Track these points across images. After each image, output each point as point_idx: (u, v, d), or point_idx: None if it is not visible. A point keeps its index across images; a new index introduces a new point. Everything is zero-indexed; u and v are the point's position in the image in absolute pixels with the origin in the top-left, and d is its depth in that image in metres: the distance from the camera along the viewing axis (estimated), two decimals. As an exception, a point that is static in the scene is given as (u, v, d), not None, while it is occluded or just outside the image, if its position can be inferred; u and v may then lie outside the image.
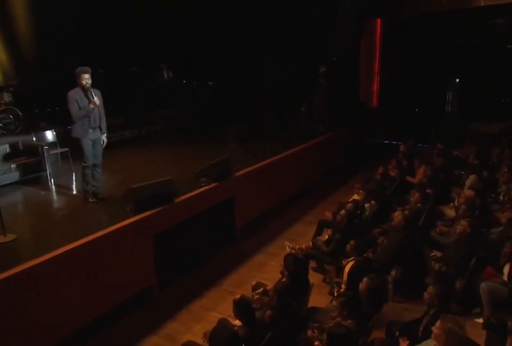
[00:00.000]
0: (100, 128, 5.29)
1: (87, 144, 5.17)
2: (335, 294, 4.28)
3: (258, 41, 10.45)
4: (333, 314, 3.71)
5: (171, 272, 5.11)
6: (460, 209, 5.49)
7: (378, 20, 12.30)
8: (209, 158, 5.98)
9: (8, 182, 6.07)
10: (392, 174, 7.17)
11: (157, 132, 9.80)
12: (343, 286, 4.32)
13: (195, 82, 11.88)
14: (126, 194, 4.89)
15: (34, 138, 6.90)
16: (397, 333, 3.61)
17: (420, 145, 9.68)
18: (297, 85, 10.82)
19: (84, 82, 5.00)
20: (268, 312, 3.50)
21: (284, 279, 4.14)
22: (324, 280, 5.09)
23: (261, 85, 11.33)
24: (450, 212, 6.03)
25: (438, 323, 3.02)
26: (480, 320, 4.04)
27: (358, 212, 5.71)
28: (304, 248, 5.51)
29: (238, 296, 3.58)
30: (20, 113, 7.17)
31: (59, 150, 6.90)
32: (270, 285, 4.32)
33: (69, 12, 8.54)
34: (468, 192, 5.68)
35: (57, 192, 6.07)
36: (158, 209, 4.85)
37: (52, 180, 6.25)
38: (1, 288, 3.42)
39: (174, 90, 11.25)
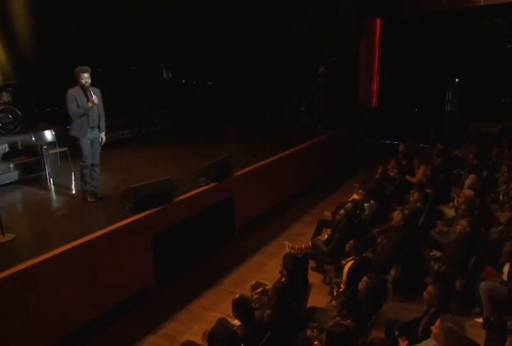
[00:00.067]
0: (99, 127, 5.29)
1: (85, 144, 5.16)
2: (335, 294, 4.27)
3: (258, 41, 10.45)
4: (333, 314, 3.71)
5: (170, 272, 5.10)
6: (459, 208, 5.49)
7: (378, 20, 12.30)
8: (209, 158, 5.98)
9: (7, 182, 6.07)
10: (391, 174, 7.17)
11: (156, 132, 9.80)
12: (342, 285, 4.31)
13: (194, 82, 11.88)
14: (125, 194, 4.89)
15: (33, 138, 6.90)
16: (397, 332, 3.60)
17: (419, 145, 9.68)
18: (297, 85, 10.82)
19: (83, 81, 5.01)
20: (267, 311, 3.49)
21: (283, 279, 4.14)
22: (323, 281, 5.08)
23: (261, 85, 11.33)
24: (450, 212, 6.03)
25: (437, 323, 3.01)
26: (480, 320, 4.03)
27: (358, 211, 5.71)
28: (303, 247, 5.51)
29: (237, 296, 3.58)
30: (19, 113, 7.16)
31: (58, 150, 6.89)
32: (269, 285, 4.31)
33: (68, 12, 8.53)
34: (467, 192, 5.68)
35: (56, 191, 6.07)
36: (157, 209, 4.84)
37: (51, 180, 6.24)
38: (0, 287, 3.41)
39: (174, 90, 11.24)
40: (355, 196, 6.46)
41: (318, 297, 4.56)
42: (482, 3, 9.68)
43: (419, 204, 5.82)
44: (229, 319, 3.71)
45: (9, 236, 4.29)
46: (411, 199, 6.10)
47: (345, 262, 4.51)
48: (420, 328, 3.46)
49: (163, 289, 4.98)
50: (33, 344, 3.68)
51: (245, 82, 11.23)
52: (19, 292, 3.56)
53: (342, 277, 4.43)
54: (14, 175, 6.16)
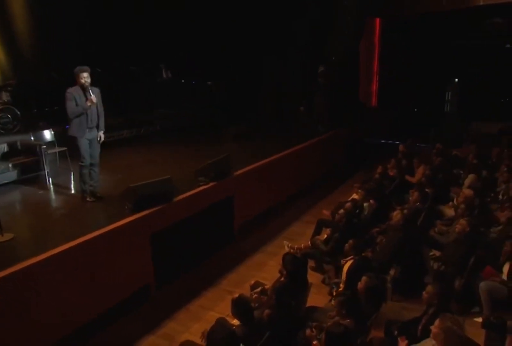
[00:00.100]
0: (97, 127, 5.29)
1: (83, 144, 5.16)
2: (334, 294, 4.26)
3: (258, 41, 10.45)
4: (332, 313, 3.70)
5: (169, 271, 5.09)
6: (459, 208, 5.49)
7: (377, 20, 12.30)
8: (208, 158, 5.96)
9: (6, 181, 6.06)
10: (391, 173, 7.18)
11: (156, 132, 9.78)
12: (341, 285, 4.31)
13: (194, 82, 11.88)
14: (125, 193, 4.88)
15: (32, 138, 6.88)
16: (396, 332, 3.60)
17: (419, 145, 9.68)
18: (297, 85, 10.82)
19: (83, 80, 5.02)
20: (267, 311, 3.48)
21: (282, 278, 4.13)
22: (323, 281, 5.06)
23: (261, 85, 11.33)
24: (449, 211, 6.03)
25: (437, 322, 3.01)
26: (479, 319, 4.02)
27: (357, 211, 5.70)
28: (303, 247, 5.50)
29: (236, 295, 3.57)
30: (18, 113, 7.14)
31: (57, 149, 6.88)
32: (268, 284, 4.30)
33: (68, 12, 8.52)
34: (467, 191, 5.68)
35: (55, 191, 6.05)
36: (156, 208, 4.83)
37: (50, 179, 6.23)
38: (-2, 287, 3.41)
39: (173, 90, 11.23)
40: (354, 196, 6.45)
41: (318, 297, 4.56)
42: (481, 3, 9.68)
43: (418, 203, 5.82)
44: (228, 318, 3.70)
45: (7, 236, 4.28)
46: (410, 198, 6.10)
47: (344, 261, 4.51)
48: (420, 327, 3.45)
49: (162, 289, 4.97)
50: (33, 344, 3.67)
51: (245, 82, 11.24)
52: (18, 292, 3.55)
53: (341, 277, 4.42)
54: (13, 175, 6.14)
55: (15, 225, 4.64)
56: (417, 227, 5.32)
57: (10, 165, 6.13)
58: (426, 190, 6.13)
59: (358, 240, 4.60)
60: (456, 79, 12.08)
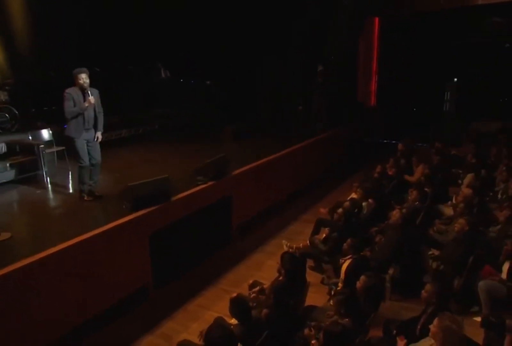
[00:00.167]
0: (95, 128, 5.26)
1: (80, 145, 5.15)
2: (333, 293, 4.25)
3: (257, 41, 10.43)
4: (330, 313, 3.68)
5: (167, 271, 5.07)
6: (458, 207, 5.49)
7: (376, 19, 12.29)
8: (207, 157, 5.95)
9: (4, 181, 6.05)
10: (390, 173, 7.17)
11: (154, 131, 9.78)
12: (340, 284, 4.29)
13: (192, 82, 11.86)
14: (123, 192, 4.87)
15: (30, 137, 6.87)
16: (395, 331, 3.59)
17: (418, 144, 9.67)
18: (297, 84, 10.81)
19: (81, 81, 5.01)
20: (265, 310, 3.47)
21: (281, 278, 4.11)
22: (322, 282, 5.04)
23: (260, 85, 11.32)
24: (448, 210, 6.02)
25: (435, 321, 2.99)
26: (478, 319, 4.00)
27: (356, 210, 5.68)
28: (301, 246, 5.48)
29: (234, 295, 3.56)
30: (16, 112, 7.13)
31: (55, 149, 6.86)
32: (267, 284, 4.29)
33: (67, 11, 8.49)
34: (466, 190, 5.68)
35: (53, 190, 6.04)
36: (154, 208, 4.81)
37: (48, 179, 6.21)
38: (-5, 286, 3.39)
39: (172, 90, 11.22)
40: (353, 195, 6.44)
41: (316, 296, 4.53)
42: (480, 2, 9.68)
43: (417, 202, 5.81)
44: (226, 318, 3.69)
45: (5, 235, 4.27)
46: (409, 197, 6.09)
47: (343, 261, 4.49)
48: (418, 327, 3.44)
49: (161, 288, 4.96)
50: (28, 343, 3.66)
51: (244, 82, 11.23)
52: (15, 291, 3.53)
53: (340, 276, 4.41)
54: (10, 174, 6.13)
55: (12, 224, 4.63)
56: (416, 226, 5.31)
57: (8, 164, 6.11)
58: (425, 189, 6.13)
59: (357, 239, 4.58)
60: (455, 79, 12.08)
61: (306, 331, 3.43)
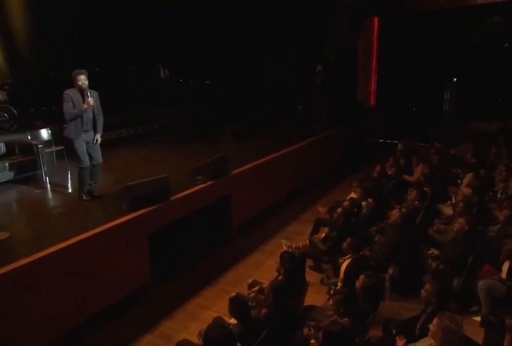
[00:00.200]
0: (94, 129, 5.25)
1: (80, 146, 5.14)
2: (332, 293, 4.24)
3: (257, 39, 10.43)
4: (330, 312, 3.68)
5: (166, 271, 5.07)
6: (457, 206, 5.48)
7: (376, 19, 12.29)
8: (206, 157, 5.94)
9: (3, 180, 6.04)
10: (389, 172, 7.17)
11: (154, 131, 9.77)
12: (339, 283, 4.29)
13: (192, 81, 11.86)
14: (122, 192, 4.86)
15: (29, 137, 6.85)
16: (394, 331, 3.58)
17: (418, 144, 9.67)
18: (297, 83, 10.81)
19: (80, 83, 5.01)
20: (264, 310, 3.46)
21: (280, 277, 4.11)
22: (321, 281, 5.03)
23: (260, 84, 11.31)
24: (448, 210, 6.02)
25: (435, 321, 2.99)
26: (478, 318, 3.99)
27: (355, 210, 5.68)
28: (301, 246, 5.47)
29: (233, 294, 3.55)
30: (15, 112, 7.13)
31: (54, 148, 6.86)
32: (266, 283, 4.28)
33: (66, 10, 8.49)
34: (465, 190, 5.67)
35: (52, 190, 6.03)
36: (153, 207, 4.81)
37: (47, 178, 6.21)
38: (-7, 286, 3.38)
39: (171, 89, 11.22)
40: (353, 194, 6.43)
41: (316, 296, 4.53)
42: (479, 2, 9.67)
43: (417, 202, 5.81)
44: (225, 317, 3.68)
45: (3, 235, 4.26)
46: (409, 197, 6.09)
47: (342, 260, 4.49)
48: (418, 326, 3.43)
49: (160, 288, 4.95)
50: (27, 343, 3.65)
51: (244, 81, 11.22)
52: (14, 291, 3.52)
53: (339, 276, 4.40)
54: (9, 174, 6.12)
55: (11, 224, 4.63)
56: (415, 226, 5.30)
57: (7, 164, 6.10)
58: (425, 188, 6.13)
59: (356, 238, 4.57)
60: (455, 79, 12.07)
61: (305, 330, 3.42)
